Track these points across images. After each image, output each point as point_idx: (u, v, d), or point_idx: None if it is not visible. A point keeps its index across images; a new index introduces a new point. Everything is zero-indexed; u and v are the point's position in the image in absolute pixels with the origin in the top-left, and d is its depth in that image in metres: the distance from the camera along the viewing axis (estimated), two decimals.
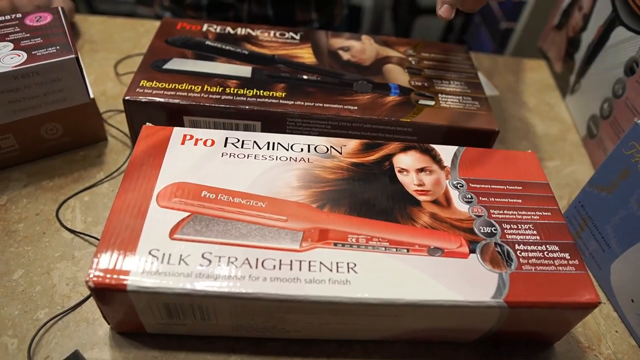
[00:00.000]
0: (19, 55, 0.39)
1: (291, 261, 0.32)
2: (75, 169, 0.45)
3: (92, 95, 0.44)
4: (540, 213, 0.37)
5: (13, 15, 0.43)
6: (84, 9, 1.39)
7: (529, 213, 0.37)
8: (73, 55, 0.40)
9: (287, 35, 0.50)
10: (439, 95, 0.45)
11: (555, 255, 0.35)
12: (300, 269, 0.31)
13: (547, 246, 0.35)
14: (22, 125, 0.42)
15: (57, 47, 0.40)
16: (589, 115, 0.55)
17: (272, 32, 0.51)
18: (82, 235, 0.40)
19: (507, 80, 0.63)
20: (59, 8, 0.45)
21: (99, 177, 0.45)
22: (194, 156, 0.37)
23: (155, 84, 0.43)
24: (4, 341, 0.33)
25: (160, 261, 0.31)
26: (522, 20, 1.00)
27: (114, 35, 0.62)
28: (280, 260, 0.32)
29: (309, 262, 0.32)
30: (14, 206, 0.42)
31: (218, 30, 0.50)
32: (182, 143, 0.38)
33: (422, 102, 0.44)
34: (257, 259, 0.32)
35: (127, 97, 0.41)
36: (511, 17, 1.07)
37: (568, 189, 0.50)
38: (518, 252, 0.35)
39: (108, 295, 0.30)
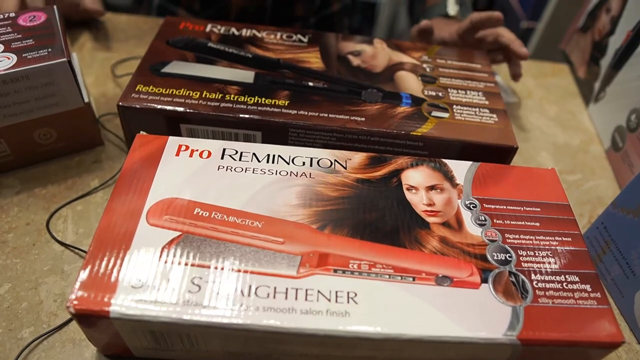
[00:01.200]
0: (9, 58, 0.37)
1: (287, 289, 0.29)
2: (70, 176, 0.44)
3: (87, 100, 0.42)
4: (560, 238, 0.35)
5: (6, 15, 0.41)
6: None
7: (547, 238, 0.34)
8: (65, 59, 0.38)
9: (294, 37, 0.48)
10: (454, 106, 0.42)
11: (575, 287, 0.32)
12: (296, 298, 0.29)
13: (567, 276, 0.32)
14: (14, 130, 0.40)
15: (49, 50, 0.38)
16: (614, 126, 0.51)
17: (278, 34, 0.48)
18: (72, 249, 0.38)
19: (527, 85, 0.60)
20: (54, 7, 0.42)
21: (93, 185, 0.43)
22: (189, 169, 0.35)
23: (152, 89, 0.41)
24: None
25: (146, 286, 0.29)
26: (543, 19, 0.96)
27: (118, 33, 0.60)
28: (275, 288, 0.29)
29: (306, 290, 0.30)
30: (4, 214, 0.40)
31: (222, 31, 0.48)
32: (177, 154, 0.36)
33: (435, 113, 0.41)
34: (250, 287, 0.29)
35: (121, 103, 0.39)
36: (532, 16, 1.02)
37: (589, 206, 0.47)
38: (534, 282, 0.32)
39: (91, 320, 0.28)
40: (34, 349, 0.33)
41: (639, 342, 0.37)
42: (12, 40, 0.39)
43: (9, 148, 0.41)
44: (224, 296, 0.29)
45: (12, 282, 0.36)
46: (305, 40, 0.48)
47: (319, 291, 0.30)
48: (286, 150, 0.37)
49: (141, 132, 0.37)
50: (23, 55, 0.38)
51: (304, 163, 0.36)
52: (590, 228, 0.42)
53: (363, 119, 0.40)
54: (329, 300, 0.29)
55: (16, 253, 0.38)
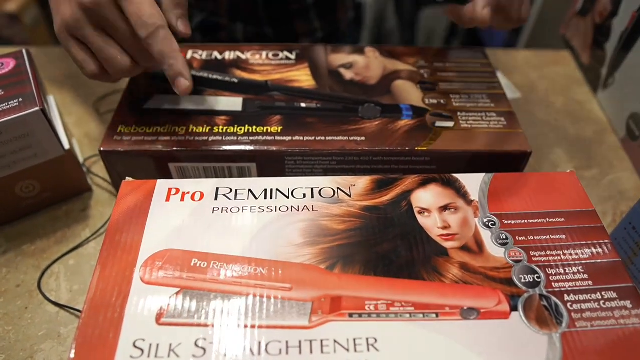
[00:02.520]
0: None
1: (300, 342, 0.27)
2: (59, 227, 0.41)
3: (67, 146, 0.39)
4: (590, 250, 0.32)
5: None
6: None
7: (576, 252, 0.32)
8: (38, 108, 0.35)
9: (280, 55, 0.45)
10: (458, 113, 0.40)
11: (613, 304, 0.29)
12: (311, 352, 0.26)
13: (603, 293, 0.30)
14: None
15: (20, 100, 0.36)
16: (628, 113, 0.48)
17: (264, 53, 0.45)
18: (67, 309, 0.36)
19: (529, 77, 0.57)
20: (23, 51, 0.40)
21: (84, 236, 0.40)
22: (181, 215, 0.33)
23: (135, 129, 0.38)
24: None
25: (146, 355, 0.26)
26: (537, 4, 0.93)
27: None
28: (287, 342, 0.27)
29: (321, 341, 0.27)
30: None
31: (204, 56, 0.45)
32: (167, 199, 0.33)
33: (439, 124, 0.39)
34: (259, 343, 0.27)
35: (102, 148, 0.37)
36: None
37: (611, 203, 0.44)
38: (568, 304, 0.29)
39: None
40: None
41: None
42: None
43: None
44: (233, 357, 0.26)
45: (5, 353, 0.34)
46: (293, 57, 0.45)
47: (335, 341, 0.27)
48: (284, 183, 0.34)
49: (127, 178, 0.34)
50: None
51: (304, 195, 0.34)
52: (617, 228, 0.39)
53: (363, 138, 0.37)
54: (347, 350, 0.27)
55: (8, 320, 0.35)
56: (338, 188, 0.34)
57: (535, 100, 0.54)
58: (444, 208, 0.33)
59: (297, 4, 0.60)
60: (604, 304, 0.29)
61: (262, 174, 0.38)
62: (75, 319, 0.35)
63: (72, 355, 0.26)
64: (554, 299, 0.29)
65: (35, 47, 0.59)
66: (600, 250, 0.32)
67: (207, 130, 0.38)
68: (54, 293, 0.37)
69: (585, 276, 0.30)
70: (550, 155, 0.48)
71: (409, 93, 0.40)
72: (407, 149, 0.37)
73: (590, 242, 0.32)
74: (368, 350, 0.27)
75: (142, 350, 0.26)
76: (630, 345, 0.27)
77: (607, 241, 0.32)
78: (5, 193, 0.39)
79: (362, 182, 0.35)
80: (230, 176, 0.39)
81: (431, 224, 0.33)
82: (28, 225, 0.41)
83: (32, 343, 0.34)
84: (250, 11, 0.60)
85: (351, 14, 0.69)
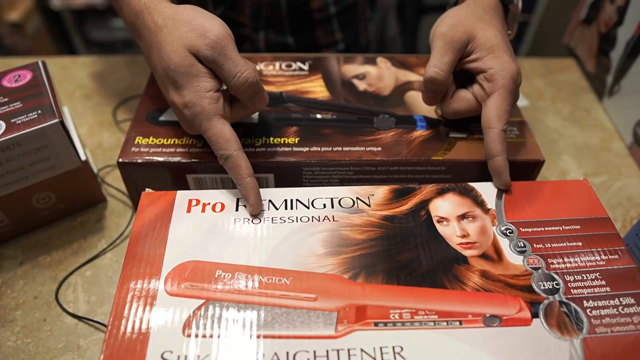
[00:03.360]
0: None
1: (327, 352, 0.27)
2: (74, 239, 0.41)
3: (83, 158, 0.39)
4: (606, 257, 0.32)
5: None
6: (78, 39, 1.35)
7: (593, 259, 0.32)
8: (57, 120, 0.35)
9: (294, 66, 0.45)
10: (471, 124, 0.40)
11: (632, 310, 0.30)
12: None
13: (621, 299, 0.30)
14: (10, 199, 0.38)
15: (39, 112, 0.36)
16: (634, 120, 0.49)
17: (277, 64, 0.46)
18: (86, 321, 0.36)
19: (535, 85, 0.58)
20: (39, 63, 0.40)
21: (100, 247, 0.40)
22: (203, 226, 0.33)
23: (152, 140, 0.38)
24: None
25: None
26: (538, 11, 0.94)
27: (108, 76, 0.57)
28: (315, 352, 0.27)
29: (348, 350, 0.27)
30: (9, 290, 0.38)
31: None
32: (188, 210, 0.34)
33: (453, 134, 0.39)
34: (287, 353, 0.27)
35: (121, 159, 0.37)
36: (526, 8, 1.00)
37: (621, 209, 0.45)
38: (588, 310, 0.29)
39: None
40: None
41: None
42: None
43: (7, 217, 0.39)
44: None
45: None
46: (306, 68, 0.45)
47: (362, 349, 0.27)
48: (304, 193, 0.35)
49: (147, 189, 0.35)
50: (12, 120, 0.35)
51: (324, 205, 0.34)
52: (628, 234, 0.40)
53: (379, 148, 0.38)
54: (374, 358, 0.27)
55: (26, 332, 0.35)
56: (357, 198, 0.35)
57: (542, 108, 0.54)
58: (462, 217, 0.34)
59: (319, 13, 0.61)
60: (622, 309, 0.30)
61: (279, 184, 0.39)
62: (94, 330, 0.36)
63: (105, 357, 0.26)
64: (573, 305, 0.30)
65: (41, 56, 0.59)
66: (616, 256, 0.32)
67: None
68: (72, 304, 0.37)
69: (603, 282, 0.31)
70: (559, 162, 0.49)
71: (422, 104, 0.41)
72: (423, 158, 0.37)
73: (606, 248, 0.33)
74: (394, 358, 0.27)
75: None
76: None
77: (622, 247, 0.33)
78: (22, 204, 0.39)
79: (380, 192, 0.35)
80: None
81: (450, 232, 0.33)
82: (43, 236, 0.41)
83: (51, 355, 0.34)
84: (273, 20, 0.60)
85: (373, 27, 0.69)
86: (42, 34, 1.30)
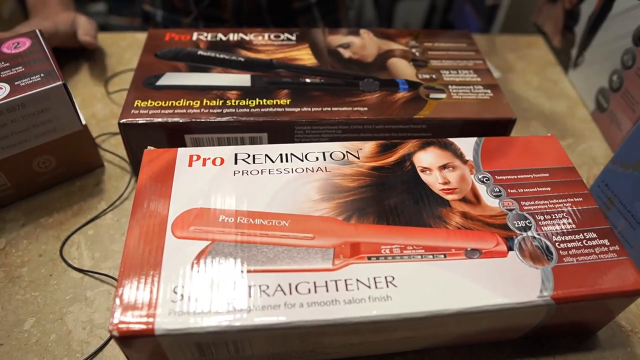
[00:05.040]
0: (2, 88, 0.36)
1: (326, 282, 0.30)
2: (75, 201, 0.43)
3: (84, 122, 0.41)
4: (572, 199, 0.36)
5: None
6: None
7: (560, 201, 0.36)
8: (60, 82, 0.37)
9: (282, 37, 0.48)
10: (449, 86, 0.43)
11: (594, 243, 0.33)
12: (337, 290, 0.29)
13: (585, 234, 0.34)
14: (12, 161, 0.39)
15: (41, 75, 0.37)
16: (596, 88, 0.53)
17: (266, 35, 0.48)
18: (92, 274, 0.38)
19: (507, 59, 0.62)
20: (37, 31, 0.41)
21: (100, 208, 0.42)
22: (205, 178, 0.35)
23: (151, 103, 0.40)
24: None
25: (186, 298, 0.29)
26: None
27: (95, 52, 0.58)
28: (315, 283, 0.30)
29: (345, 280, 0.30)
30: (14, 249, 0.39)
31: (209, 38, 0.47)
32: (190, 165, 0.36)
33: (433, 95, 0.42)
34: (290, 284, 0.30)
35: (122, 120, 0.39)
36: None
37: (585, 167, 0.49)
38: (556, 244, 0.33)
39: (134, 341, 0.28)
40: None
41: None
42: (0, 69, 0.38)
43: (8, 180, 0.40)
44: (267, 297, 0.29)
45: (35, 316, 0.35)
46: (294, 38, 0.48)
47: (357, 280, 0.30)
48: (297, 148, 0.37)
49: (148, 147, 0.37)
50: (15, 83, 0.37)
51: (317, 158, 0.37)
52: (591, 187, 0.44)
53: (365, 108, 0.41)
54: (369, 287, 0.30)
55: (34, 286, 0.37)
56: (347, 151, 0.37)
57: (513, 80, 0.58)
58: (443, 167, 0.37)
59: (300, 2, 0.63)
60: (586, 242, 0.33)
61: (272, 143, 0.41)
62: (100, 283, 0.37)
63: (117, 302, 0.28)
64: (544, 239, 0.33)
65: None
66: (580, 199, 0.36)
67: (220, 103, 0.40)
68: (77, 260, 0.39)
69: (569, 220, 0.34)
70: (530, 128, 0.52)
71: (403, 69, 0.44)
72: (406, 117, 0.40)
73: (571, 192, 0.36)
74: (387, 286, 0.30)
75: (181, 295, 0.29)
76: (608, 272, 0.31)
77: (585, 192, 0.36)
78: (23, 168, 0.40)
79: (368, 146, 0.38)
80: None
81: (433, 180, 0.36)
82: (44, 200, 0.43)
83: (60, 306, 0.36)
84: (254, 13, 0.62)
85: (353, 13, 0.72)
86: (17, 17, 1.29)
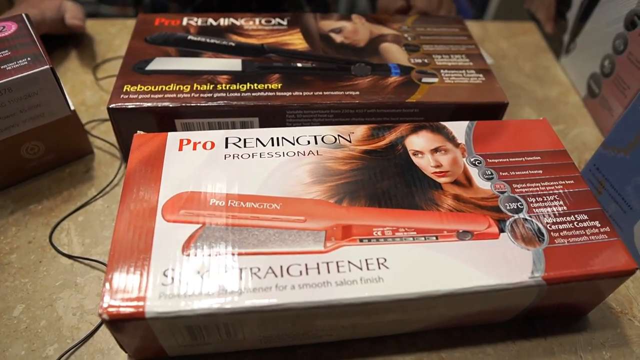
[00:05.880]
0: None
1: (317, 264, 0.30)
2: (64, 188, 0.42)
3: (72, 107, 0.40)
4: (563, 182, 0.36)
5: None
6: None
7: (551, 183, 0.36)
8: (47, 66, 0.36)
9: (273, 21, 0.47)
10: (441, 71, 0.43)
11: (585, 224, 0.33)
12: (328, 272, 0.29)
13: (576, 216, 0.34)
14: (0, 148, 0.38)
15: (28, 59, 0.37)
16: (588, 74, 0.53)
17: (257, 20, 0.47)
18: (82, 260, 0.37)
19: (500, 46, 0.61)
20: (23, 15, 0.41)
21: (90, 194, 0.42)
22: (195, 162, 0.35)
23: (141, 88, 0.40)
24: None
25: (177, 281, 0.28)
26: None
27: (84, 39, 0.57)
28: (306, 265, 0.30)
29: (337, 262, 0.30)
30: (2, 236, 0.39)
31: (199, 23, 0.47)
32: (180, 149, 0.35)
33: (425, 80, 0.42)
34: (281, 266, 0.29)
35: (111, 105, 0.38)
36: None
37: (577, 152, 0.49)
38: (548, 225, 0.33)
39: (125, 325, 0.28)
40: None
41: None
42: None
43: None
44: (258, 280, 0.29)
45: (25, 302, 0.35)
46: (285, 23, 0.47)
47: (349, 261, 0.30)
48: (289, 132, 0.37)
49: (138, 131, 0.36)
50: (1, 67, 0.36)
51: (308, 142, 0.36)
52: (583, 171, 0.44)
53: (357, 92, 0.40)
54: (361, 268, 0.30)
55: (23, 273, 0.37)
56: (339, 135, 0.37)
57: (505, 66, 0.58)
58: (435, 150, 0.37)
59: None
60: (577, 224, 0.33)
61: (264, 127, 0.41)
62: (90, 269, 0.37)
63: (107, 286, 0.28)
64: (535, 221, 0.33)
65: None
66: (571, 181, 0.36)
67: (210, 88, 0.40)
68: (67, 247, 0.38)
69: (561, 203, 0.35)
70: (522, 113, 0.52)
71: (396, 54, 0.44)
72: (398, 101, 0.40)
73: (563, 175, 0.36)
74: (379, 268, 0.30)
75: (172, 278, 0.29)
76: (598, 253, 0.32)
77: (576, 174, 0.37)
78: (11, 154, 0.39)
79: (360, 130, 0.38)
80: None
81: (425, 163, 0.36)
82: (33, 187, 0.42)
83: (50, 292, 0.36)
84: (242, 3, 0.62)
85: (344, 2, 0.72)
86: (2, 7, 1.27)
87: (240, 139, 0.36)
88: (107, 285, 0.28)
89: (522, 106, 0.53)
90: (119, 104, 0.38)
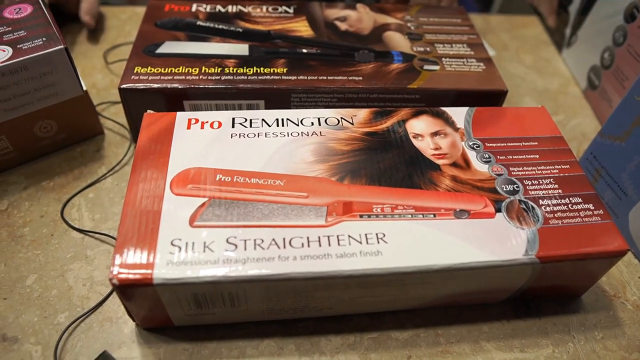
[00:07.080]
0: (4, 51, 0.37)
1: (319, 237, 0.31)
2: (75, 166, 0.43)
3: (85, 88, 0.42)
4: (559, 166, 0.37)
5: None
6: None
7: (547, 167, 0.37)
8: (62, 46, 0.38)
9: (280, 9, 0.48)
10: (443, 59, 0.44)
11: (579, 207, 0.34)
12: (329, 245, 0.31)
13: (570, 198, 0.35)
14: (14, 125, 0.40)
15: (44, 39, 0.38)
16: (588, 66, 0.54)
17: (264, 7, 0.49)
18: (92, 234, 0.39)
19: (501, 38, 0.62)
20: None
21: (101, 172, 0.43)
22: (203, 140, 0.36)
23: (151, 70, 0.41)
24: (27, 349, 0.32)
25: (184, 250, 0.30)
26: None
27: (95, 25, 0.59)
28: (308, 238, 0.31)
29: (337, 236, 0.31)
30: (16, 210, 0.40)
31: (208, 9, 0.48)
32: (188, 127, 0.37)
33: (426, 67, 0.43)
34: (284, 239, 0.31)
35: (122, 86, 0.40)
36: None
37: (575, 142, 0.50)
38: (543, 207, 0.34)
39: (134, 291, 0.29)
40: (72, 331, 0.33)
41: (637, 256, 0.41)
42: (2, 33, 0.38)
43: (11, 144, 0.41)
44: (262, 250, 0.30)
45: (37, 272, 0.36)
46: (291, 11, 0.49)
47: (349, 235, 0.31)
48: (293, 113, 0.38)
49: (148, 111, 0.37)
50: (18, 46, 0.37)
51: (312, 123, 0.38)
52: (580, 159, 0.45)
53: (360, 78, 0.42)
54: (360, 242, 0.31)
55: (36, 245, 0.38)
56: (342, 117, 0.38)
57: (507, 58, 0.59)
58: (435, 134, 0.38)
59: None
60: (571, 206, 0.34)
61: (269, 109, 0.42)
62: (100, 243, 0.38)
63: (117, 254, 0.29)
64: (531, 203, 0.34)
65: None
66: (567, 166, 0.37)
67: (218, 71, 0.41)
68: (77, 222, 0.40)
69: (556, 186, 0.36)
70: (522, 103, 0.53)
71: (398, 42, 0.45)
72: (400, 87, 0.41)
73: (559, 160, 0.37)
74: (378, 242, 0.31)
75: (179, 247, 0.30)
76: (591, 234, 0.33)
77: (572, 159, 0.38)
78: (25, 131, 0.41)
79: (362, 113, 0.39)
80: None
81: (425, 145, 0.37)
82: (45, 164, 0.43)
83: (61, 264, 0.37)
84: None
85: None
86: None
87: (246, 119, 0.37)
88: (118, 252, 0.29)
89: (522, 96, 0.54)
90: (130, 84, 0.40)
